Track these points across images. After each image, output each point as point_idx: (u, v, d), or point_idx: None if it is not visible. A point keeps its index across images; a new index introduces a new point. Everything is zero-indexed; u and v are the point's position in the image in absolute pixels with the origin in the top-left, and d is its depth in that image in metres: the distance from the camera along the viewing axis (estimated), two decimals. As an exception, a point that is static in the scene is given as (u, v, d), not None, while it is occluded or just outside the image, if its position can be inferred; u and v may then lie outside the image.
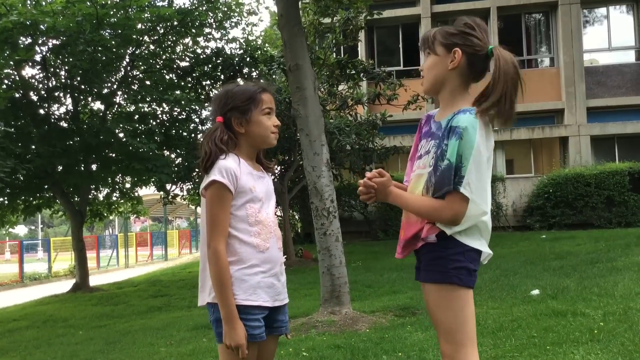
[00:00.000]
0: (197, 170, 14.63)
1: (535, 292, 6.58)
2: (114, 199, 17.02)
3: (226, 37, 15.88)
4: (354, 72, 14.14)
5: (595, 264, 8.58)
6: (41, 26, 12.21)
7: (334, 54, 15.28)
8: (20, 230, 63.31)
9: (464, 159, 2.07)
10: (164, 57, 15.53)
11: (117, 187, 16.33)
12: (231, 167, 2.23)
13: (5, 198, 14.11)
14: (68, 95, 14.51)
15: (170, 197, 16.03)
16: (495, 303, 6.24)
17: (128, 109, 15.34)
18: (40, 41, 13.25)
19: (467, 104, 2.20)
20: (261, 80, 2.41)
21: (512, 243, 13.28)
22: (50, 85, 14.15)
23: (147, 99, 14.68)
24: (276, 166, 2.67)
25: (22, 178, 13.26)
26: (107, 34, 13.03)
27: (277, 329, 2.36)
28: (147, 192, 20.69)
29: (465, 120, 2.10)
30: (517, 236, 14.84)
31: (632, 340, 4.11)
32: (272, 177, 2.55)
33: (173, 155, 15.29)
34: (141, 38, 14.37)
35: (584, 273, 7.81)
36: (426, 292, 2.23)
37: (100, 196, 16.78)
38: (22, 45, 12.74)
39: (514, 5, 19.37)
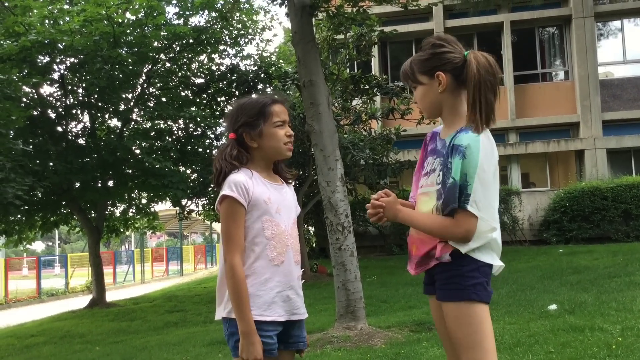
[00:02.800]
0: (212, 185, 14.71)
1: (553, 307, 6.53)
2: (131, 214, 17.14)
3: (241, 54, 16.02)
4: (367, 87, 14.17)
5: (613, 279, 8.50)
6: (59, 45, 12.42)
7: (348, 69, 15.34)
8: (38, 246, 63.83)
9: (468, 177, 2.10)
10: (179, 74, 15.70)
11: (133, 202, 16.45)
12: (241, 181, 2.23)
13: (23, 215, 14.26)
14: (85, 113, 14.70)
15: (185, 212, 16.11)
16: (512, 318, 6.20)
17: (144, 126, 15.51)
18: (58, 60, 13.46)
19: (464, 117, 2.21)
20: (274, 92, 2.42)
21: (529, 257, 13.17)
22: (68, 103, 14.34)
23: (163, 116, 14.83)
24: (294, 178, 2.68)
25: (39, 195, 13.41)
26: (123, 51, 13.21)
27: (293, 344, 2.34)
28: (163, 207, 20.81)
29: (467, 138, 2.12)
30: (534, 250, 14.72)
31: (651, 356, 4.07)
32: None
33: (189, 171, 15.39)
34: (157, 56, 14.55)
35: (601, 287, 7.74)
36: (445, 310, 2.23)
37: (117, 212, 16.91)
38: (40, 64, 12.96)
39: (527, 19, 19.36)
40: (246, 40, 15.89)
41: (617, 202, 15.77)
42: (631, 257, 10.92)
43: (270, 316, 2.21)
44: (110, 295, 17.28)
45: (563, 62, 20.09)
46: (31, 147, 13.16)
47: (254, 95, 2.37)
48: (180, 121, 15.10)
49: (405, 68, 2.34)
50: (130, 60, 13.23)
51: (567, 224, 16.13)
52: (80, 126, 15.12)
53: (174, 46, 14.60)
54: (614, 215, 15.76)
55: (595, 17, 18.90)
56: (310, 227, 19.39)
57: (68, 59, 13.50)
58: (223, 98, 15.98)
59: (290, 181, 2.46)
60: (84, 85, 14.02)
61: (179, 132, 15.55)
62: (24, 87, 12.62)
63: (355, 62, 16.64)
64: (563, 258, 12.58)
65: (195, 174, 15.13)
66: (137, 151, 13.97)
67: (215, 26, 14.77)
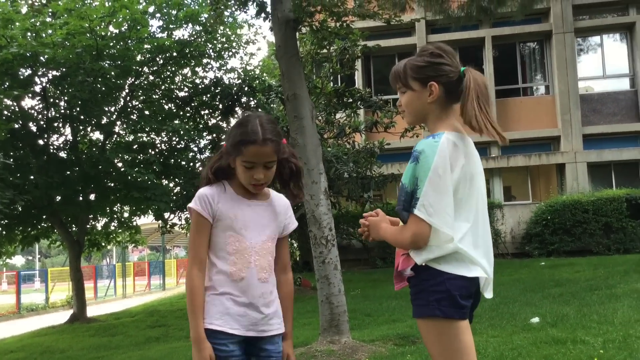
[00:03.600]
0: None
1: (535, 319, 6.57)
2: (112, 228, 16.99)
3: (225, 67, 16.04)
4: (351, 100, 14.25)
5: (594, 291, 8.57)
6: (41, 57, 12.34)
7: (331, 82, 15.42)
8: (18, 260, 62.97)
9: (419, 181, 2.06)
10: (163, 87, 15.65)
11: (115, 216, 16.31)
12: (207, 195, 2.28)
13: (3, 229, 14.08)
14: (67, 126, 14.58)
15: (168, 226, 16.00)
16: (496, 331, 6.22)
17: (127, 139, 15.41)
18: (40, 72, 13.38)
19: (447, 127, 2.18)
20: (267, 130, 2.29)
21: (512, 270, 13.25)
22: (50, 116, 14.21)
23: (146, 129, 14.76)
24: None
25: (20, 208, 13.25)
26: (106, 64, 13.16)
27: (265, 358, 2.32)
28: (145, 221, 20.69)
29: (424, 143, 2.10)
30: (516, 263, 14.82)
31: (632, 368, 4.11)
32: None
33: (171, 185, 15.32)
34: (140, 69, 14.50)
35: (583, 300, 7.80)
36: (418, 326, 2.20)
37: (99, 226, 16.75)
38: (22, 77, 12.86)
39: (508, 34, 19.62)
40: (230, 53, 15.91)
41: (598, 215, 15.94)
42: (612, 270, 11.03)
43: (221, 326, 2.22)
44: (91, 310, 17.07)
45: (544, 76, 20.36)
46: (12, 160, 13.03)
47: (255, 119, 2.27)
48: (163, 134, 15.04)
49: (398, 69, 2.28)
50: (113, 73, 13.18)
51: (548, 237, 16.26)
52: (61, 139, 15.00)
53: (158, 59, 14.56)
54: (595, 228, 15.92)
55: (575, 33, 19.20)
56: (293, 241, 19.35)
57: (50, 71, 13.42)
58: (207, 111, 15.97)
59: (296, 200, 2.47)
60: (66, 98, 13.93)
61: (162, 145, 15.48)
62: (5, 99, 12.51)
63: (339, 76, 16.73)
64: (545, 271, 12.68)
65: (179, 187, 15.06)
66: (120, 164, 13.89)
67: (199, 39, 14.78)
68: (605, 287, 8.77)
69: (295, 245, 19.69)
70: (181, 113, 15.73)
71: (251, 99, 15.33)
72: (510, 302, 8.39)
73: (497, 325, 6.59)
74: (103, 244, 17.86)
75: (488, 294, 2.24)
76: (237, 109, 15.36)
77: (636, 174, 18.54)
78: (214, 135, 15.62)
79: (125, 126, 15.17)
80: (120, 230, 17.44)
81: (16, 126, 13.39)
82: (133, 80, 14.60)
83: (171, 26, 14.43)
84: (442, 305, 2.07)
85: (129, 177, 13.27)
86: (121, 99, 14.95)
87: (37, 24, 12.57)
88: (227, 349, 2.22)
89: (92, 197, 14.69)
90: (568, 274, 11.56)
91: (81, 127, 14.78)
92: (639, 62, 18.73)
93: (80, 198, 14.28)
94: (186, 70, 15.85)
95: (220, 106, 15.44)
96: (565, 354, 4.74)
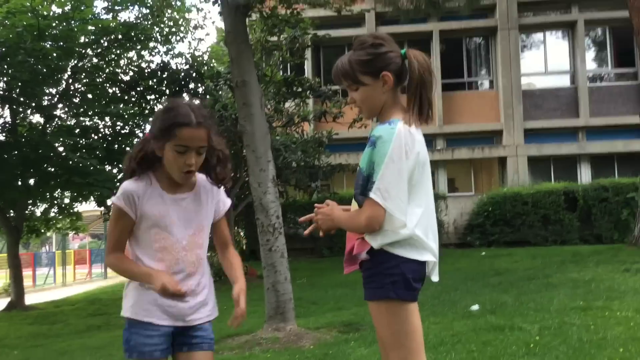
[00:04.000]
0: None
1: (475, 307, 6.75)
2: (52, 214, 16.53)
3: (172, 52, 15.77)
4: (300, 89, 14.23)
5: (532, 280, 8.85)
6: (-21, 36, 11.86)
7: (281, 71, 15.35)
8: (-50, 246, 60.52)
9: (375, 165, 2.08)
10: (107, 70, 15.27)
11: (55, 202, 15.88)
12: (132, 191, 2.20)
13: None
14: (6, 107, 14.06)
15: (110, 212, 15.68)
16: (437, 318, 6.36)
17: (69, 123, 14.99)
18: (-23, 51, 12.85)
19: (399, 112, 2.21)
20: (204, 103, 2.22)
21: (454, 260, 13.54)
22: (-12, 97, 13.70)
23: (89, 113, 14.39)
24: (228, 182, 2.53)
25: (-46, 192, 12.77)
26: (48, 45, 12.74)
27: (197, 345, 2.31)
28: (87, 208, 20.15)
29: (381, 130, 2.12)
30: (458, 253, 15.15)
31: (566, 354, 4.28)
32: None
33: (115, 170, 15.00)
34: (84, 51, 14.11)
35: (521, 289, 8.05)
36: (370, 310, 2.23)
37: (38, 212, 16.27)
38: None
39: (455, 29, 19.92)
40: (178, 38, 15.66)
41: (537, 208, 16.44)
42: (549, 261, 11.41)
43: (147, 317, 2.21)
44: (30, 299, 16.57)
45: (488, 71, 20.80)
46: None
47: (184, 104, 2.21)
48: (107, 118, 14.70)
49: (344, 67, 2.24)
50: (55, 54, 12.80)
51: (489, 228, 16.69)
52: (0, 121, 14.46)
53: (102, 41, 14.19)
54: (533, 220, 16.41)
55: (520, 29, 19.67)
56: (240, 229, 19.24)
57: (-12, 50, 12.91)
58: (153, 96, 15.66)
59: (222, 185, 2.37)
60: (5, 79, 13.42)
61: (106, 129, 15.15)
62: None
63: (289, 65, 16.67)
64: (485, 261, 13.02)
65: (122, 174, 14.76)
66: (61, 148, 13.51)
67: (146, 22, 14.47)
68: (542, 277, 9.08)
69: (242, 233, 19.59)
70: (126, 97, 15.38)
71: (199, 85, 15.13)
72: (452, 290, 8.59)
73: (438, 313, 6.74)
74: (42, 231, 17.38)
75: (434, 277, 2.29)
76: (184, 94, 15.13)
77: (574, 169, 19.20)
78: (161, 120, 15.34)
79: (67, 109, 14.76)
80: (60, 217, 17.00)
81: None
82: (76, 62, 14.20)
83: (117, 7, 14.09)
84: (396, 288, 2.12)
85: (71, 162, 12.93)
86: (63, 82, 14.53)
87: (-25, 1, 12.09)
88: (152, 342, 2.21)
89: (31, 181, 14.26)
90: (507, 264, 11.90)
91: (21, 109, 14.29)
92: (580, 59, 19.34)
93: (19, 183, 13.85)
94: (132, 54, 15.53)
95: (167, 92, 15.17)
96: (503, 340, 4.89)
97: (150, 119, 14.55)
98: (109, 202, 14.75)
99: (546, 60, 20.32)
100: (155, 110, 15.32)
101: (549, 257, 11.97)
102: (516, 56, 19.41)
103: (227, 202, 2.44)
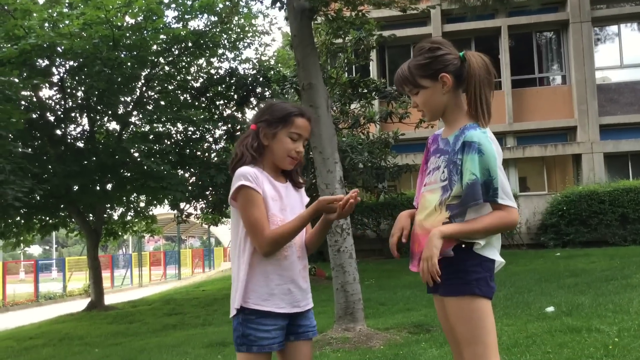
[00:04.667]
0: (210, 188, 14.75)
1: (550, 309, 6.57)
2: (129, 218, 17.16)
3: (239, 58, 16.09)
4: (365, 90, 14.24)
5: (610, 281, 8.54)
6: (59, 48, 12.44)
7: (346, 73, 15.40)
8: (35, 250, 63.75)
9: (492, 172, 2.14)
10: (178, 77, 15.74)
11: (131, 206, 16.48)
12: (252, 172, 2.30)
13: (22, 218, 14.27)
14: (84, 116, 14.73)
15: (184, 215, 16.13)
16: (510, 320, 6.24)
17: (143, 129, 15.55)
18: (57, 63, 13.51)
19: (463, 114, 2.29)
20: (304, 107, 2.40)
21: (526, 261, 13.22)
22: (67, 106, 14.37)
23: (162, 119, 14.87)
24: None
25: (38, 198, 13.43)
26: (123, 55, 13.25)
27: (303, 334, 2.41)
28: (161, 211, 20.85)
29: (477, 135, 2.17)
30: (531, 254, 14.77)
31: (647, 356, 4.11)
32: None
33: (187, 175, 15.43)
34: (156, 59, 14.58)
35: (598, 290, 7.78)
36: (447, 306, 2.26)
37: (115, 215, 16.93)
38: (39, 67, 12.99)
39: (524, 24, 19.46)
40: (245, 44, 15.95)
41: (615, 206, 15.83)
42: (628, 261, 10.97)
43: (268, 307, 2.27)
44: (108, 299, 17.29)
45: (560, 66, 20.18)
46: (30, 149, 13.19)
47: (287, 103, 2.46)
48: (179, 124, 15.15)
49: (403, 74, 2.33)
50: (129, 63, 13.28)
51: (564, 228, 16.18)
52: (79, 129, 15.17)
53: (173, 50, 14.64)
54: (611, 219, 15.81)
55: (593, 22, 19.00)
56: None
57: (67, 62, 13.55)
58: (222, 101, 16.03)
59: (299, 187, 2.52)
60: (83, 88, 14.06)
61: (178, 135, 15.61)
62: (23, 90, 12.65)
63: (354, 66, 16.72)
64: (560, 261, 12.63)
65: (194, 177, 15.17)
66: (136, 154, 14.01)
67: (215, 30, 14.82)
68: (621, 278, 8.73)
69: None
70: (196, 103, 15.82)
71: (266, 89, 15.37)
72: (525, 292, 8.39)
73: (511, 314, 6.60)
74: (120, 233, 18.05)
75: None
76: (252, 99, 15.42)
77: (653, 165, 18.37)
78: (229, 125, 15.70)
79: (141, 116, 15.28)
80: (136, 220, 17.61)
81: (34, 116, 13.55)
82: (149, 70, 14.70)
83: (186, 16, 14.48)
84: (480, 285, 2.20)
85: (145, 167, 13.38)
86: (137, 89, 15.06)
87: (55, 15, 12.69)
88: (269, 335, 2.28)
89: (109, 186, 14.85)
90: (583, 265, 11.51)
91: (98, 117, 14.93)
92: (658, 51, 18.52)
93: (98, 187, 14.44)
94: (201, 61, 15.93)
95: (235, 96, 15.51)
96: (580, 342, 4.75)
97: (220, 124, 14.93)
98: (180, 204, 15.17)
99: (621, 53, 19.53)
100: (224, 115, 15.76)
101: (628, 258, 11.50)
102: (589, 50, 18.76)
103: (306, 199, 2.56)
